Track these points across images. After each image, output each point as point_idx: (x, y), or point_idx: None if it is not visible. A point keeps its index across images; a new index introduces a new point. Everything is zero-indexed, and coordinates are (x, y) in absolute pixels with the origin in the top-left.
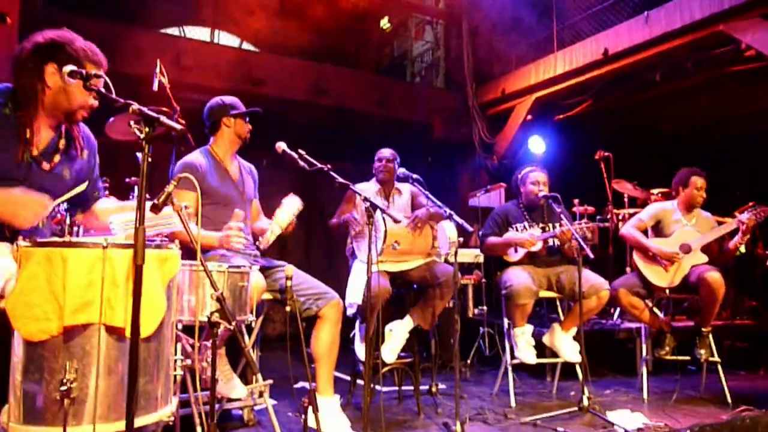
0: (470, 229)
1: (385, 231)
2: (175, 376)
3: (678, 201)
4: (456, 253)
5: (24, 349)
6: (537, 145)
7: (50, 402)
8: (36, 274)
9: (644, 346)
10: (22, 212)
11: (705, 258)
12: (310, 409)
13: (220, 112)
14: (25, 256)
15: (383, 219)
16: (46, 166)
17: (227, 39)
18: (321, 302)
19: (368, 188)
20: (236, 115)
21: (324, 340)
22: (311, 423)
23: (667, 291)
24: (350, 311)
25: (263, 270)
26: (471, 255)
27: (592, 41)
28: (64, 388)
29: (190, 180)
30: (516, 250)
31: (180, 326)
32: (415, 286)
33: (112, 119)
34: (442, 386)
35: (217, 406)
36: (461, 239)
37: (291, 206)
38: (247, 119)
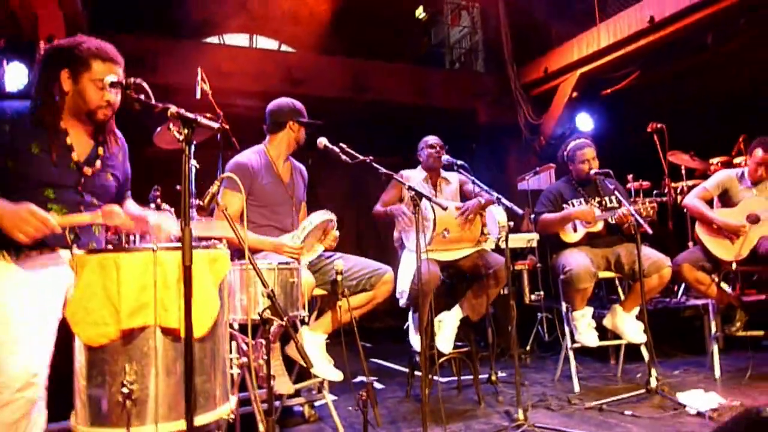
0: (520, 212)
1: (434, 219)
2: (232, 374)
3: (747, 170)
4: (507, 237)
5: (85, 354)
6: (585, 122)
7: (113, 404)
8: (92, 280)
9: (713, 323)
10: (22, 226)
11: None
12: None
13: (289, 115)
14: (80, 263)
15: (432, 207)
16: (88, 171)
17: (265, 43)
18: (374, 279)
19: (414, 175)
20: (303, 123)
21: (359, 305)
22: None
23: (734, 264)
24: (402, 302)
25: (311, 265)
26: (523, 240)
27: (636, 9)
28: (125, 390)
29: (235, 181)
30: (575, 229)
31: (236, 326)
32: (467, 276)
33: (159, 129)
34: (501, 374)
35: (277, 403)
36: (511, 223)
37: (320, 216)
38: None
